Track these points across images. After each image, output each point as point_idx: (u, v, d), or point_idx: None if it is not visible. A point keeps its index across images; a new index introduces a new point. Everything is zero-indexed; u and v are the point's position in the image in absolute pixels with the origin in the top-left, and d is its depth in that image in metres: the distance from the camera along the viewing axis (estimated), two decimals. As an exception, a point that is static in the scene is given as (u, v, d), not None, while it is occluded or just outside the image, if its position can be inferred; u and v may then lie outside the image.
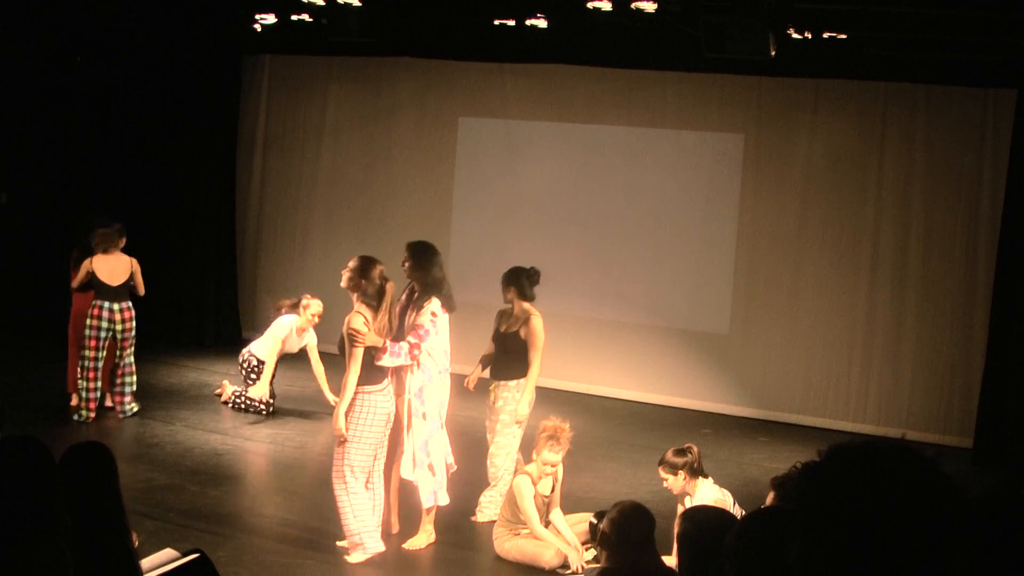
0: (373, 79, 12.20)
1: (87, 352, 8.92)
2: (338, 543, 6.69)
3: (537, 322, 7.40)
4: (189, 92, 12.26)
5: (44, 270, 12.19)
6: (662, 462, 6.25)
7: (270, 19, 10.47)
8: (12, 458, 3.25)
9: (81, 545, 3.36)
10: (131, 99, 12.34)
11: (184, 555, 4.49)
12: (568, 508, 6.96)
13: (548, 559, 6.49)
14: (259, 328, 12.84)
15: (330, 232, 12.41)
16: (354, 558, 6.53)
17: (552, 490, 6.77)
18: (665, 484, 6.27)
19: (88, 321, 8.91)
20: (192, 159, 12.43)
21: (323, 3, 9.69)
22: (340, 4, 9.64)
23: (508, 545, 6.67)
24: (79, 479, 3.62)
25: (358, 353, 6.33)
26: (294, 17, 10.25)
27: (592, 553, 6.56)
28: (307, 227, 12.55)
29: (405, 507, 7.09)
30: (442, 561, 6.82)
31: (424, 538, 6.89)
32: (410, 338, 6.57)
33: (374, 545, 6.53)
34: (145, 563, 4.13)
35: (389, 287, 6.50)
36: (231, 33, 11.57)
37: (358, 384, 6.38)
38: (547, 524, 6.76)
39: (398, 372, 6.71)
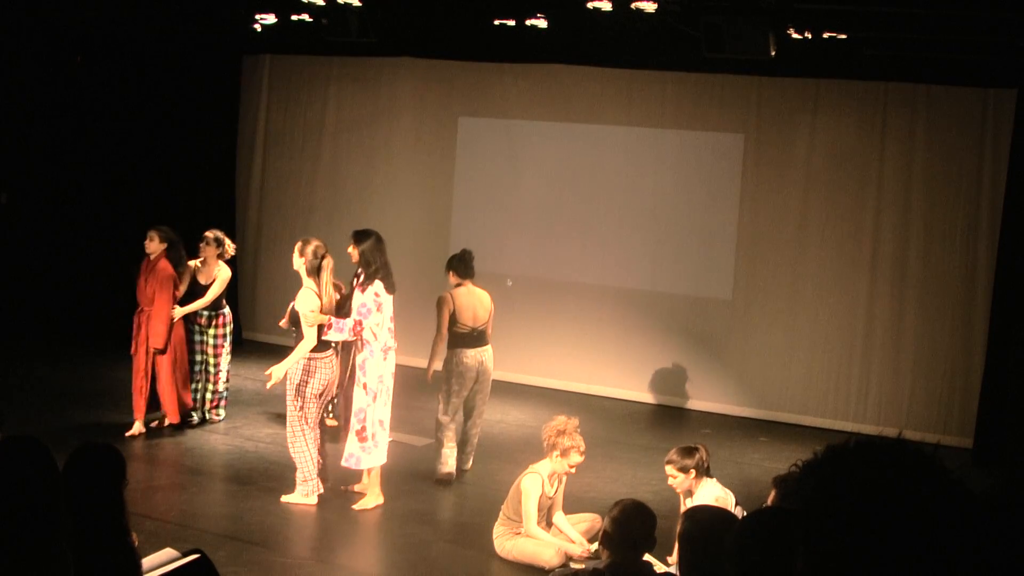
0: (373, 79, 12.20)
1: (229, 358, 9.39)
2: (283, 498, 7.46)
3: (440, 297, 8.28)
4: (189, 92, 12.26)
5: (44, 270, 12.19)
6: (671, 461, 6.17)
7: (270, 19, 10.47)
8: (13, 459, 3.24)
9: (82, 545, 3.35)
10: (131, 99, 12.33)
11: (184, 555, 4.49)
12: (568, 508, 6.96)
13: (548, 559, 6.48)
14: (259, 328, 12.89)
15: (330, 232, 12.38)
16: (293, 498, 7.43)
17: (556, 491, 6.76)
18: (672, 482, 6.20)
19: (227, 330, 9.34)
20: (192, 159, 12.43)
21: (323, 3, 9.68)
22: (340, 4, 9.63)
23: (508, 545, 6.66)
24: (84, 478, 3.62)
25: (313, 329, 7.22)
26: (294, 17, 10.25)
27: (595, 545, 6.57)
28: (307, 227, 12.53)
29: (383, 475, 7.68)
30: (442, 560, 6.82)
31: (372, 500, 7.50)
32: (355, 315, 7.31)
33: (315, 488, 7.43)
34: (145, 563, 4.12)
35: (326, 263, 7.36)
36: (231, 33, 11.57)
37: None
38: (550, 526, 6.76)
39: (347, 346, 7.64)
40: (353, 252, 7.48)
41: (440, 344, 8.11)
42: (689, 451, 6.16)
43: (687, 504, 6.03)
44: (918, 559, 1.52)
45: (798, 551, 1.61)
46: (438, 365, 8.25)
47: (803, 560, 1.60)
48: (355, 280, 7.55)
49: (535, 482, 6.62)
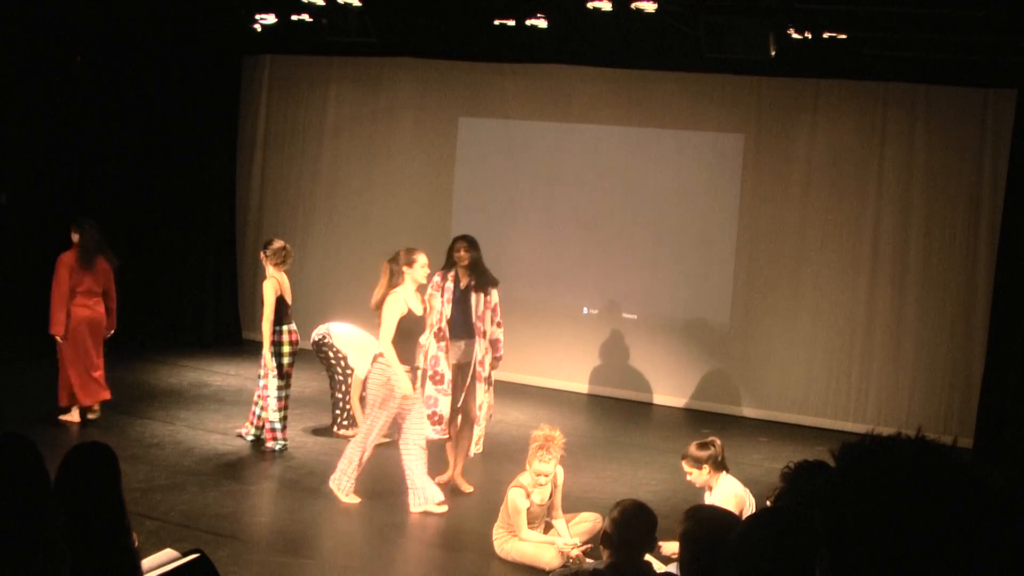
0: (373, 79, 12.20)
1: (288, 381, 8.51)
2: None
3: None
4: (189, 92, 12.26)
5: (44, 270, 12.17)
6: (686, 456, 6.23)
7: (270, 19, 10.47)
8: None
9: (82, 545, 3.35)
10: (131, 99, 12.33)
11: (184, 555, 4.48)
12: (568, 508, 6.95)
13: (548, 560, 6.47)
14: (259, 328, 12.84)
15: (330, 232, 12.42)
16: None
17: (551, 496, 6.74)
18: (688, 478, 6.26)
19: (286, 349, 8.45)
20: (192, 159, 12.43)
21: (323, 3, 9.68)
22: (340, 4, 9.64)
23: (508, 546, 6.66)
24: (82, 479, 3.61)
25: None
26: (294, 17, 10.26)
27: (577, 539, 6.59)
28: (307, 227, 12.55)
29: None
30: (442, 561, 6.82)
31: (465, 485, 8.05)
32: (499, 324, 7.91)
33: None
34: (145, 563, 4.12)
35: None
36: (231, 33, 11.56)
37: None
38: (548, 530, 6.76)
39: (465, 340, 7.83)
40: (465, 256, 7.81)
41: None
42: (704, 445, 6.21)
43: (708, 499, 6.09)
44: (946, 557, 1.50)
45: (820, 552, 1.59)
46: None
47: (827, 560, 1.58)
48: (449, 287, 7.80)
49: (520, 495, 6.62)
